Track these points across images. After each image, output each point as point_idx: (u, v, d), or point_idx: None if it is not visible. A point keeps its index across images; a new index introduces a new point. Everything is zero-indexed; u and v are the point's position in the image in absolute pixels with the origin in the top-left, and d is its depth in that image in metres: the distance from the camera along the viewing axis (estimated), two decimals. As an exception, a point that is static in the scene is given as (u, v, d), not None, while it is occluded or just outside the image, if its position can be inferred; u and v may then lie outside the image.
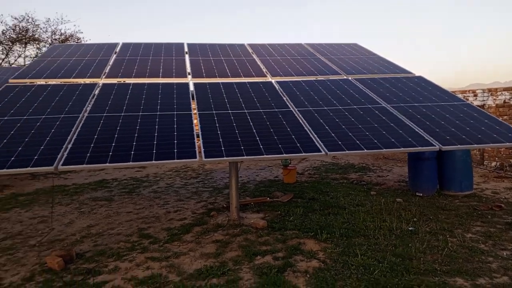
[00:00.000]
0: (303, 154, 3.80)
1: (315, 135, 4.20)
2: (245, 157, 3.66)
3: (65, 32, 19.97)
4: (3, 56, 18.97)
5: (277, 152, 3.77)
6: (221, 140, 3.95)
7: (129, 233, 5.44)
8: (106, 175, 10.57)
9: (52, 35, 19.55)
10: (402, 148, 4.07)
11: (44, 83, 5.28)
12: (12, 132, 3.84)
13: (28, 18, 19.51)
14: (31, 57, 19.62)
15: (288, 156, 3.77)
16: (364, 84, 5.96)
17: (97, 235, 5.41)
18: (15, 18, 23.11)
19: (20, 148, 3.53)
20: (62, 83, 5.29)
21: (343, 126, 4.48)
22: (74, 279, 3.97)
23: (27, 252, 4.84)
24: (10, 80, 5.25)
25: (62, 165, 3.31)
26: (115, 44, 7.25)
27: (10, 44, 18.75)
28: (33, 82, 5.28)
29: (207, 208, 6.71)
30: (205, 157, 3.63)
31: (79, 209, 6.90)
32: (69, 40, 19.61)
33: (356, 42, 8.60)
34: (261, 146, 3.84)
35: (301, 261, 4.24)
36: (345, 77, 6.27)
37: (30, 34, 18.81)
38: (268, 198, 7.05)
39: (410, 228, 5.11)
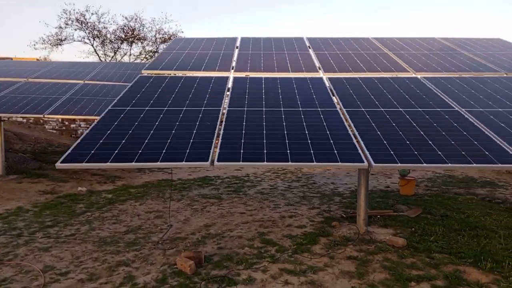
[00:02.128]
0: (499, 165, 3.00)
1: (501, 140, 3.37)
2: (424, 164, 2.98)
3: (168, 31, 20.82)
4: (111, 54, 20.38)
5: (463, 161, 3.04)
6: (385, 142, 3.32)
7: (250, 237, 5.06)
8: (208, 172, 10.52)
9: (156, 34, 20.53)
10: None
11: (175, 74, 5.12)
12: (156, 123, 3.61)
13: (136, 18, 20.52)
14: (135, 55, 20.82)
15: (478, 167, 3.01)
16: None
17: (218, 236, 5.11)
18: (125, 18, 24.78)
19: (169, 141, 3.25)
20: (194, 75, 5.08)
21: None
22: (209, 287, 3.63)
23: (152, 249, 4.68)
24: (143, 71, 5.18)
25: (218, 161, 2.94)
26: (235, 39, 7.00)
27: (119, 43, 20.05)
28: (164, 74, 5.15)
29: (324, 216, 6.14)
30: (375, 162, 3.03)
31: (191, 206, 6.76)
32: (171, 39, 20.45)
33: (499, 37, 7.40)
34: (440, 152, 3.13)
35: (471, 295, 3.46)
36: (504, 75, 5.25)
37: (136, 33, 19.92)
38: (392, 211, 6.25)
39: None
